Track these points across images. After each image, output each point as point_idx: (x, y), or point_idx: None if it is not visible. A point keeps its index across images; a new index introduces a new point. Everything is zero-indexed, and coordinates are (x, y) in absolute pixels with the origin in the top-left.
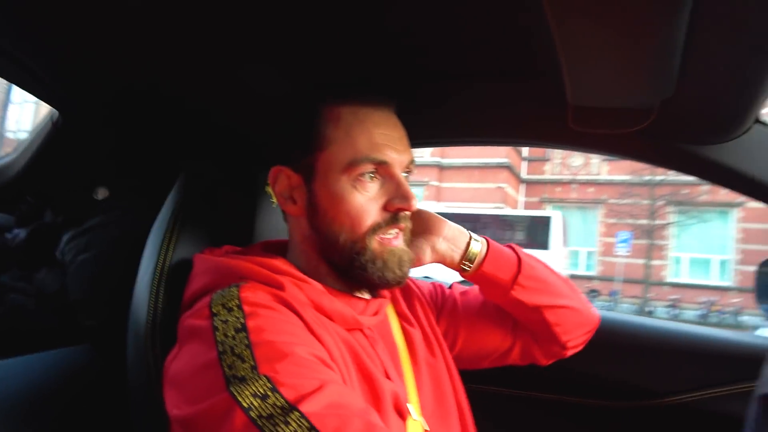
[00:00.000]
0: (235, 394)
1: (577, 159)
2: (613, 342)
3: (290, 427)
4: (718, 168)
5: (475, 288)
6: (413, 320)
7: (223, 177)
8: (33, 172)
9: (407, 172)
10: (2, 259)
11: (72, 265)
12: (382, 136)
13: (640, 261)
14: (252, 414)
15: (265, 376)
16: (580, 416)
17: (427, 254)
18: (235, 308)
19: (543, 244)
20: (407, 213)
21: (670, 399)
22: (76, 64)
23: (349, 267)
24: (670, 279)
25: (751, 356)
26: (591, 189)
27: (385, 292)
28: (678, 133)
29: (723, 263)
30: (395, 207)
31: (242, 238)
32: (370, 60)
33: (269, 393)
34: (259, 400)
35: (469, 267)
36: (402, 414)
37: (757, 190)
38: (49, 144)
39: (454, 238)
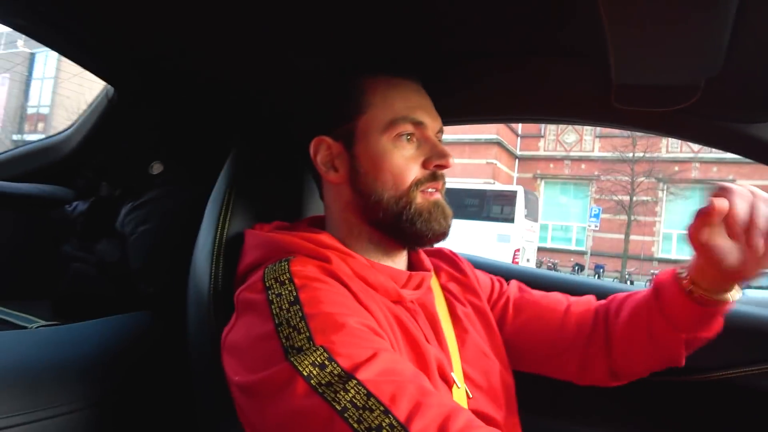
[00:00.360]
0: (295, 363)
1: (570, 136)
2: None
3: (349, 394)
4: (763, 146)
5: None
6: (462, 298)
7: (271, 155)
8: (89, 147)
9: (438, 139)
10: (64, 229)
11: (132, 236)
12: (417, 100)
13: (634, 237)
14: (312, 382)
15: (322, 347)
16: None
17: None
18: (287, 281)
19: (509, 218)
20: (444, 171)
21: (714, 375)
22: (133, 41)
23: (396, 223)
24: (658, 255)
25: None
26: (583, 165)
27: (429, 265)
28: (722, 111)
29: None
30: (434, 164)
31: (292, 213)
32: (411, 37)
33: (327, 362)
34: (317, 369)
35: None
36: (447, 381)
37: None
38: (104, 119)
39: None
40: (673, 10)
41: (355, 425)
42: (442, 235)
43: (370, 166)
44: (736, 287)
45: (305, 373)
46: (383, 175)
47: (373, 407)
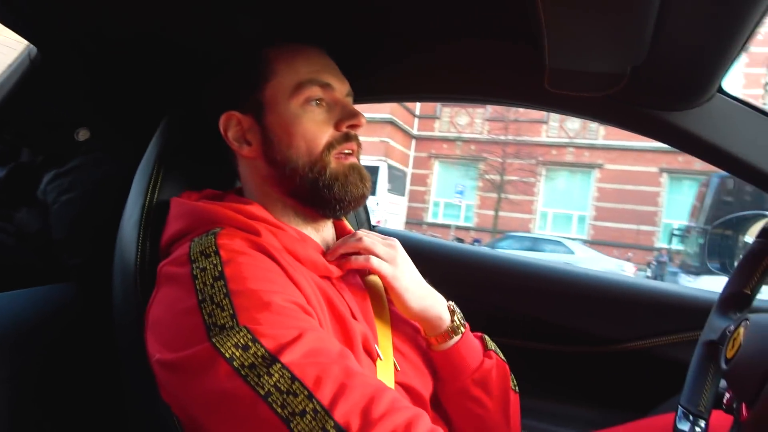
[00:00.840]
0: (217, 344)
1: (463, 118)
2: (577, 293)
3: (273, 378)
4: (682, 134)
5: None
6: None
7: (204, 122)
8: (8, 110)
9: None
10: None
11: (55, 205)
12: (321, 63)
13: (514, 215)
14: (235, 364)
15: (246, 327)
16: (547, 361)
17: (413, 305)
18: (213, 254)
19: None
20: (357, 131)
21: (625, 345)
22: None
23: (314, 191)
24: (535, 231)
25: (697, 308)
26: (473, 147)
27: None
28: (645, 98)
29: (581, 219)
30: (345, 124)
31: (225, 183)
32: (344, 14)
33: (250, 344)
34: (240, 351)
35: (451, 338)
36: (371, 355)
37: (717, 157)
38: (25, 81)
39: (439, 308)
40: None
41: (279, 410)
42: (362, 197)
43: (282, 134)
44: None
45: (227, 355)
46: (296, 141)
47: (297, 391)
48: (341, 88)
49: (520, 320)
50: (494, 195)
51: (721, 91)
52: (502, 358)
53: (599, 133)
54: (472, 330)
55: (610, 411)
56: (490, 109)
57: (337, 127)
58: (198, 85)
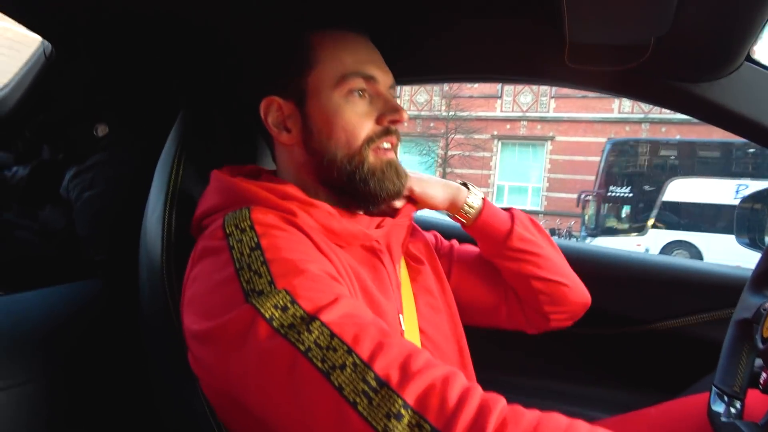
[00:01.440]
0: (257, 305)
1: (422, 96)
2: (603, 274)
3: (313, 335)
4: (708, 105)
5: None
6: (420, 256)
7: (222, 114)
8: (27, 108)
9: (390, 95)
10: (4, 196)
11: (79, 202)
12: (366, 54)
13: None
14: (275, 324)
15: (284, 290)
16: (577, 344)
17: (439, 196)
18: (248, 228)
19: None
20: (398, 127)
21: (656, 325)
22: None
23: (350, 183)
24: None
25: (728, 285)
26: (432, 124)
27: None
28: (670, 70)
29: (535, 191)
30: (387, 119)
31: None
32: None
33: (289, 305)
34: (280, 311)
35: (470, 213)
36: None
37: (746, 129)
38: (42, 79)
39: (455, 187)
40: None
41: (319, 364)
42: (396, 194)
43: (323, 124)
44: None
45: (267, 315)
46: (336, 132)
47: (337, 347)
48: (385, 80)
49: None
50: (446, 170)
51: (749, 59)
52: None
53: (550, 106)
54: None
55: (643, 392)
56: (447, 87)
57: (378, 121)
58: (217, 75)
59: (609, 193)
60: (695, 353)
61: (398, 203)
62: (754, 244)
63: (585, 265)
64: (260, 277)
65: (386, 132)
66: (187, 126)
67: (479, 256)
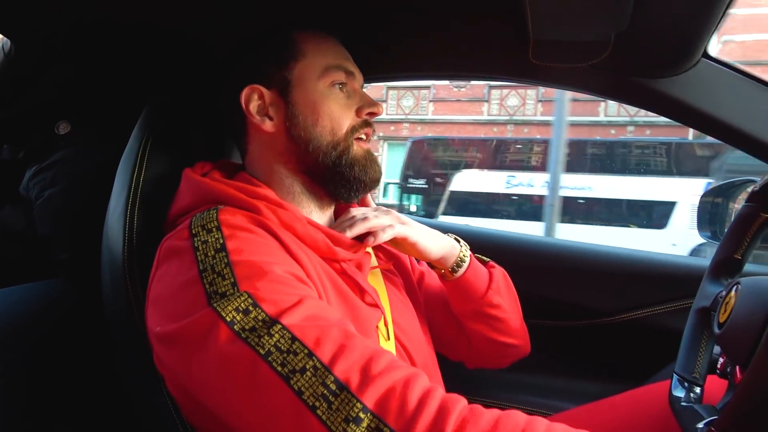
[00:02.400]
0: (218, 309)
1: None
2: (567, 267)
3: (273, 339)
4: (668, 101)
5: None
6: (386, 259)
7: (186, 107)
8: None
9: None
10: None
11: (39, 200)
12: (344, 53)
13: None
14: (236, 327)
15: (246, 293)
16: (541, 336)
17: (434, 250)
18: (214, 230)
19: None
20: (374, 119)
21: (619, 317)
22: None
23: (334, 168)
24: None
25: (690, 276)
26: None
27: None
28: (630, 66)
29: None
30: (366, 112)
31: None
32: None
33: (251, 308)
34: (241, 315)
35: (457, 272)
36: (381, 334)
37: (705, 123)
38: (1, 76)
39: (450, 243)
40: None
41: (279, 368)
42: (377, 180)
43: (308, 111)
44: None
45: (228, 319)
46: (322, 120)
47: (298, 350)
48: (359, 79)
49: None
50: None
51: (706, 55)
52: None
53: (429, 109)
54: None
55: (609, 382)
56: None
57: (358, 113)
58: (186, 67)
59: (408, 185)
60: (659, 343)
61: (375, 241)
62: (715, 236)
63: (549, 257)
64: (223, 279)
65: (365, 124)
66: (152, 121)
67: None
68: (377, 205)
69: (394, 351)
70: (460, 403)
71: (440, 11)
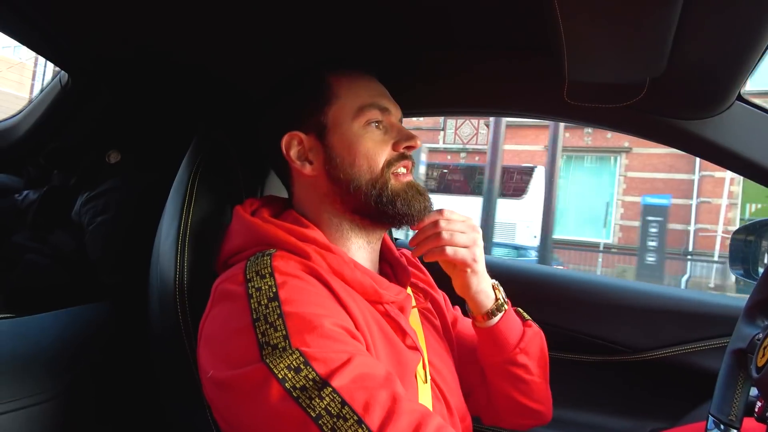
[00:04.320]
0: (271, 365)
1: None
2: (602, 302)
3: (324, 402)
4: (702, 142)
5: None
6: (430, 297)
7: (235, 141)
8: (40, 134)
9: None
10: (14, 220)
11: (91, 226)
12: (379, 89)
13: None
14: (287, 385)
15: (298, 350)
16: (574, 371)
17: (480, 288)
18: (268, 276)
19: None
20: (412, 152)
21: (653, 354)
22: (90, 25)
23: (377, 206)
24: None
25: (724, 315)
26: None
27: (407, 272)
28: (664, 108)
29: None
30: (403, 146)
31: (254, 195)
32: (363, 33)
33: (302, 366)
34: (293, 373)
35: (494, 318)
36: (419, 377)
37: (738, 164)
38: (56, 106)
39: (490, 287)
40: (622, 8)
41: None
42: (425, 209)
43: (345, 153)
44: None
45: (280, 376)
46: (358, 160)
47: (347, 416)
48: (396, 113)
49: (544, 330)
50: None
51: (740, 98)
52: (536, 325)
53: None
54: None
55: (640, 420)
56: None
57: (394, 147)
58: (223, 108)
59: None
60: (691, 382)
61: (429, 256)
62: (747, 274)
63: (584, 292)
64: (276, 331)
65: (402, 157)
66: (201, 151)
67: (466, 334)
68: None
69: (430, 394)
70: None
71: (477, 48)
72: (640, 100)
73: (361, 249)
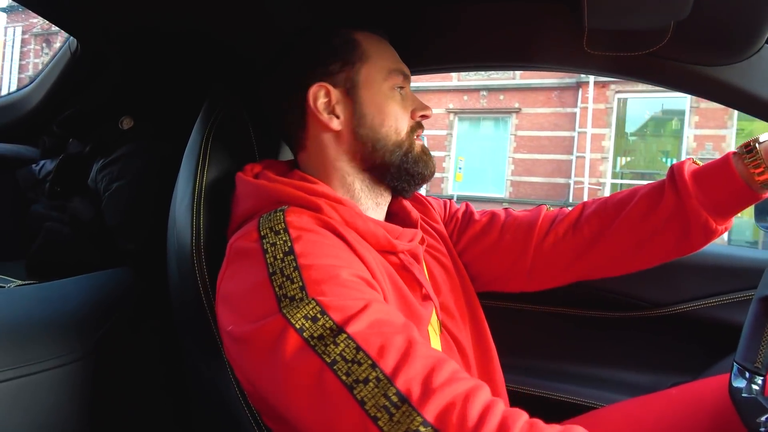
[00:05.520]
0: (288, 316)
1: None
2: None
3: (339, 348)
4: (727, 89)
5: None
6: (432, 232)
7: (245, 101)
8: (53, 103)
9: None
10: (32, 189)
11: (107, 192)
12: (397, 56)
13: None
14: (305, 335)
15: (314, 300)
16: (595, 327)
17: None
18: (282, 231)
19: None
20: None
21: (675, 308)
22: None
23: (401, 166)
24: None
25: (750, 267)
26: None
27: (416, 214)
28: (690, 54)
29: None
30: (419, 114)
31: (271, 154)
32: None
33: (319, 315)
34: (310, 322)
35: None
36: (433, 328)
37: (764, 110)
38: (67, 74)
39: None
40: None
41: (344, 378)
42: (433, 173)
43: (375, 112)
44: None
45: (298, 326)
46: (388, 121)
47: (362, 360)
48: (409, 81)
49: (567, 287)
50: None
51: None
52: None
53: None
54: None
55: (661, 375)
56: None
57: (412, 115)
58: (235, 71)
59: None
60: (713, 336)
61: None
62: None
63: None
64: (293, 283)
65: (419, 125)
66: (213, 112)
67: (486, 220)
68: None
69: (440, 344)
70: (521, 419)
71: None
72: (664, 46)
73: (369, 210)
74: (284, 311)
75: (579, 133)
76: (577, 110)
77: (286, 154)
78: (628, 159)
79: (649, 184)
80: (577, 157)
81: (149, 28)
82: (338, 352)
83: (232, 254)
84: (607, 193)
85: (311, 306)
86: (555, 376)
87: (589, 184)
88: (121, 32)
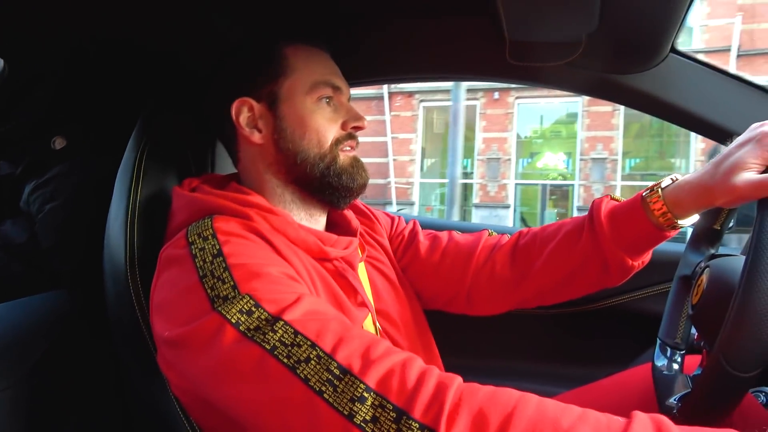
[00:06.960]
0: (223, 312)
1: None
2: None
3: (277, 334)
4: (640, 96)
5: (440, 233)
6: (373, 242)
7: (180, 117)
8: None
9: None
10: None
11: (40, 215)
12: (332, 67)
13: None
14: (241, 328)
15: (248, 295)
16: (529, 324)
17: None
18: (210, 237)
19: None
20: (358, 132)
21: (602, 303)
22: (26, 9)
23: (323, 179)
24: None
25: (667, 261)
26: None
27: (356, 223)
28: (603, 63)
29: None
30: (351, 125)
31: (204, 169)
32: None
33: (253, 309)
34: (245, 316)
35: None
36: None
37: (676, 116)
38: None
39: None
40: None
41: (285, 360)
42: (364, 186)
43: (296, 125)
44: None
45: (233, 321)
46: (309, 134)
47: (301, 343)
48: (346, 92)
49: None
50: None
51: (674, 50)
52: None
53: None
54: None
55: (595, 367)
56: None
57: (343, 126)
58: (168, 85)
59: None
60: (641, 327)
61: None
62: None
63: None
64: (224, 283)
65: (349, 136)
66: (147, 129)
67: (445, 250)
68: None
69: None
70: (456, 380)
71: (414, 10)
72: (579, 56)
73: (303, 220)
74: (219, 309)
75: (393, 138)
76: (387, 118)
77: (224, 168)
78: (433, 161)
79: (572, 219)
80: (393, 159)
81: (79, 46)
82: (277, 339)
83: (161, 263)
84: (415, 191)
85: (245, 301)
86: (492, 371)
87: (401, 184)
88: (51, 52)
